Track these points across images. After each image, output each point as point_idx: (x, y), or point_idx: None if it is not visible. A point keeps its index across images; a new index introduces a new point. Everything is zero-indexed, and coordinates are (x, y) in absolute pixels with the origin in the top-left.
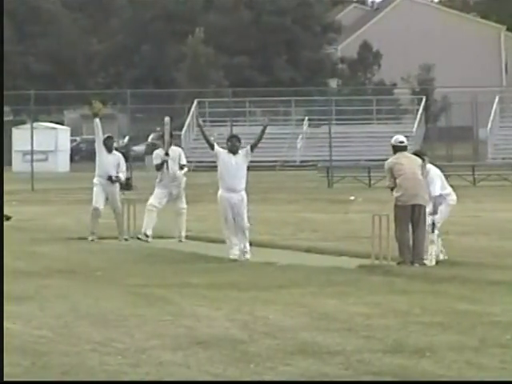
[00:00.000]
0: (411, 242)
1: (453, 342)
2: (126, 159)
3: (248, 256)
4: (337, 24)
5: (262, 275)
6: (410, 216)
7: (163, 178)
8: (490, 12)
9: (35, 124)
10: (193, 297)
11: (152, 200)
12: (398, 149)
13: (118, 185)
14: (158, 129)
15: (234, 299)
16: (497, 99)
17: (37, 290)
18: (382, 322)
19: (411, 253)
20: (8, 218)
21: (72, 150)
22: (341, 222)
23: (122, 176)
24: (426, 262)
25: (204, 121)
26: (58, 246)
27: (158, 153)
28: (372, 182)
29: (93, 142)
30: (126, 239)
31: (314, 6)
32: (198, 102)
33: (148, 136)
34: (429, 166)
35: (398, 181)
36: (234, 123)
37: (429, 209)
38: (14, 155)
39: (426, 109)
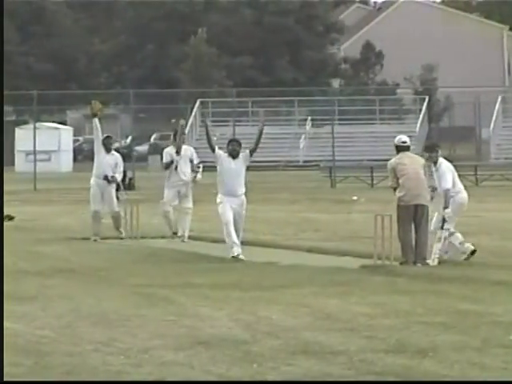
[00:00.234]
0: (414, 242)
1: (455, 342)
2: (124, 159)
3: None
4: (339, 24)
5: (265, 275)
6: (413, 216)
7: (171, 177)
8: (493, 12)
9: (38, 124)
10: (195, 297)
11: (165, 206)
12: (400, 149)
13: (114, 185)
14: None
15: (237, 299)
16: (499, 99)
17: (39, 290)
18: (384, 322)
19: (414, 253)
20: (11, 218)
21: (75, 149)
22: (343, 222)
23: (118, 177)
24: (428, 261)
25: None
26: (60, 246)
27: (169, 151)
28: (375, 182)
29: None
30: (121, 238)
31: (317, 6)
32: (201, 102)
33: (151, 136)
34: (440, 159)
35: (400, 181)
36: (237, 123)
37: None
38: (16, 155)
39: (428, 109)
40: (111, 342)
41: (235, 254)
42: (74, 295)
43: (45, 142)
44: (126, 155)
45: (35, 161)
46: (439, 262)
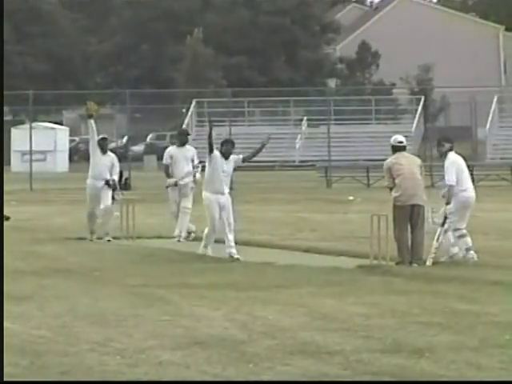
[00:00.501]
0: (410, 242)
1: (452, 342)
2: (120, 159)
3: (234, 251)
4: (336, 24)
5: (261, 275)
6: (409, 216)
7: (172, 177)
8: (489, 12)
9: (34, 124)
10: (192, 297)
11: (171, 207)
12: (397, 149)
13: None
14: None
15: (233, 299)
16: (495, 99)
17: (36, 290)
18: (380, 322)
19: (410, 253)
20: (7, 218)
21: (71, 150)
22: (339, 222)
23: (116, 178)
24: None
25: (203, 121)
26: (56, 246)
27: (170, 150)
28: (371, 181)
29: None
30: (108, 240)
31: (313, 5)
32: (197, 102)
33: (147, 136)
34: (449, 154)
35: (396, 181)
36: (233, 123)
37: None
38: (12, 155)
39: (424, 109)
40: (107, 342)
41: (205, 252)
42: (70, 295)
43: (41, 142)
44: (122, 155)
45: (31, 161)
46: (433, 263)
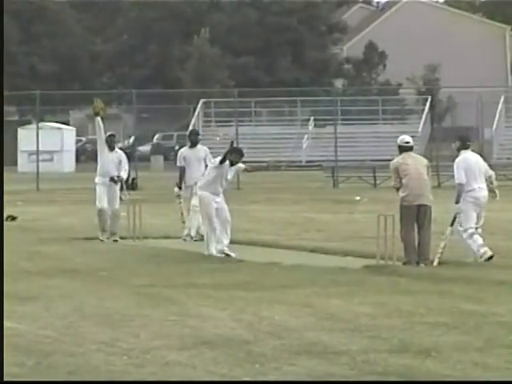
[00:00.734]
0: (417, 242)
1: (458, 342)
2: (129, 159)
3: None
4: (342, 24)
5: (267, 275)
6: (416, 216)
7: (185, 176)
8: (496, 12)
9: (41, 124)
10: (198, 297)
11: (193, 201)
12: (403, 149)
13: (118, 184)
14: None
15: (240, 299)
16: (502, 99)
17: (42, 290)
18: (387, 322)
19: (416, 253)
20: (14, 218)
21: (77, 150)
22: (346, 222)
23: (124, 174)
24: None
25: (209, 121)
26: (63, 246)
27: (182, 152)
28: (377, 182)
29: None
30: (115, 240)
31: (320, 6)
32: (204, 102)
33: (153, 136)
34: (462, 153)
35: (403, 181)
36: (240, 123)
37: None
38: (19, 155)
39: (431, 109)
40: (114, 342)
41: (212, 253)
42: (76, 295)
43: (48, 143)
44: (129, 155)
45: (38, 161)
46: (439, 263)
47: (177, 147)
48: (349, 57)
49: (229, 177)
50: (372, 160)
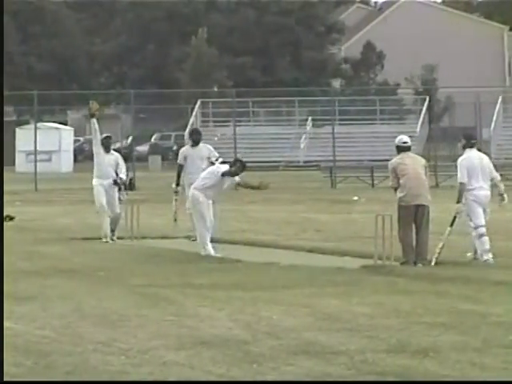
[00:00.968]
0: (414, 243)
1: (456, 342)
2: (125, 159)
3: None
4: (340, 24)
5: (265, 275)
6: (414, 216)
7: (185, 176)
8: (494, 12)
9: (39, 124)
10: (196, 297)
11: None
12: (401, 149)
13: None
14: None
15: (237, 299)
16: (500, 99)
17: (40, 290)
18: (385, 322)
19: (414, 253)
20: (11, 218)
21: (75, 150)
22: (344, 223)
23: (124, 176)
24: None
25: (207, 121)
26: (61, 246)
27: (184, 151)
28: (375, 182)
29: None
30: (112, 240)
31: (318, 6)
32: (202, 103)
33: (151, 136)
34: (466, 151)
35: (401, 181)
36: (238, 123)
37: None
38: (17, 155)
39: (429, 109)
40: (112, 342)
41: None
42: (74, 295)
43: (45, 143)
44: (127, 155)
45: (36, 161)
46: (436, 263)
47: (175, 147)
48: (347, 57)
49: (226, 186)
50: (370, 160)
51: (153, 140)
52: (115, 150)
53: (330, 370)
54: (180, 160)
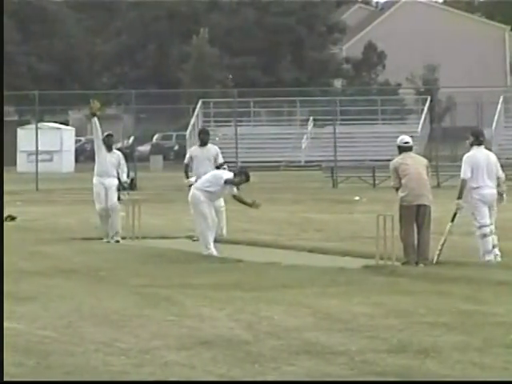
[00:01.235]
0: (416, 243)
1: (457, 342)
2: (128, 159)
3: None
4: (341, 24)
5: (266, 275)
6: (415, 216)
7: (192, 176)
8: (495, 12)
9: (40, 124)
10: (197, 297)
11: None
12: (403, 149)
13: (116, 183)
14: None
15: (238, 299)
16: (501, 99)
17: (41, 290)
18: (386, 323)
19: (416, 253)
20: (13, 218)
21: (77, 150)
22: (345, 223)
23: (125, 177)
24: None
25: (208, 121)
26: (62, 246)
27: (192, 150)
28: (376, 182)
29: None
30: (117, 241)
31: (319, 6)
32: (203, 103)
33: (153, 136)
34: (473, 148)
35: (403, 181)
36: (239, 123)
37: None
38: (18, 155)
39: (430, 109)
40: (112, 342)
41: (213, 253)
42: (75, 295)
43: (47, 143)
44: (128, 155)
45: (37, 161)
46: (437, 262)
47: (176, 147)
48: (348, 57)
49: (227, 192)
50: (371, 160)
51: (154, 140)
52: (118, 149)
53: (330, 370)
54: (186, 159)
